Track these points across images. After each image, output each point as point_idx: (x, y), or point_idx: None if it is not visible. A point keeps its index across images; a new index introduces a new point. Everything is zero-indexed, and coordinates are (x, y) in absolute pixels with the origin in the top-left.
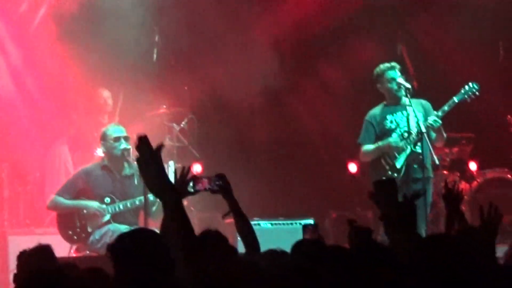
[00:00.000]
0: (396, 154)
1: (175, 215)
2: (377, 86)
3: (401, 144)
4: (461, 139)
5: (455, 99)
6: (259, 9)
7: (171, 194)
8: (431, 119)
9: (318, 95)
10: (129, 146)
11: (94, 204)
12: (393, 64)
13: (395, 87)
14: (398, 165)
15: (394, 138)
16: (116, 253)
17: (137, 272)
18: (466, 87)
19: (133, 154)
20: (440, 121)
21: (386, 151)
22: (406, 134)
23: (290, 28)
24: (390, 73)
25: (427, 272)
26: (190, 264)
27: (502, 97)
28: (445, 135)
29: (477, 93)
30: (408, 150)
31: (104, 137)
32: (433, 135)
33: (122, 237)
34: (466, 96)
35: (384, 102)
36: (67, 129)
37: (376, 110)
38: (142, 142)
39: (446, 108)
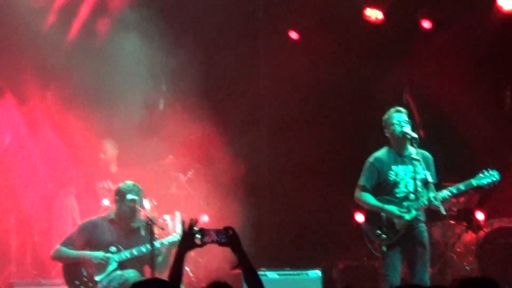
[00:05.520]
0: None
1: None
2: (385, 132)
3: (406, 214)
4: None
5: (473, 182)
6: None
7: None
8: (444, 194)
9: (324, 145)
10: (136, 197)
11: (99, 254)
12: (399, 108)
13: (399, 129)
14: (398, 226)
15: (401, 210)
16: None
17: None
18: (486, 173)
19: (140, 206)
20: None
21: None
22: (412, 196)
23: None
24: (396, 116)
25: None
26: None
27: (509, 146)
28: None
29: (496, 183)
30: (412, 215)
31: (117, 193)
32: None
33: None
34: (485, 183)
35: (388, 147)
36: (74, 180)
37: (381, 155)
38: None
39: (462, 187)
